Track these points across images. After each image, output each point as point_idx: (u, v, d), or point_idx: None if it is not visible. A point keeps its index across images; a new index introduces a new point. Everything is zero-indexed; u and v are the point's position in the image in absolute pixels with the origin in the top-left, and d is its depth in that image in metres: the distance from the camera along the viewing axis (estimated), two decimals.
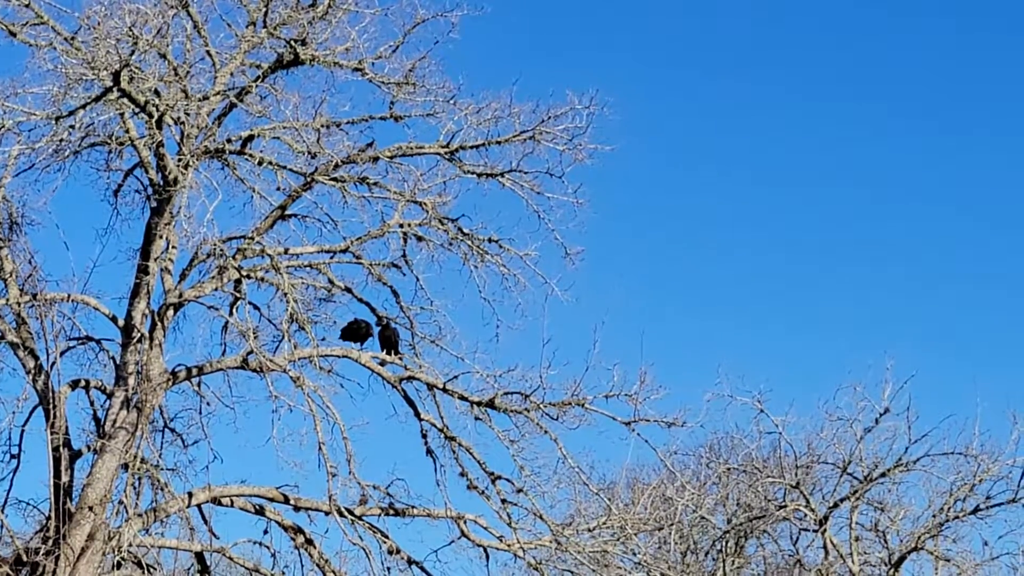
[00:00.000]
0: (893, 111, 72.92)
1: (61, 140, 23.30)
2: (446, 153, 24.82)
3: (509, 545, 24.64)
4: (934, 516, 33.45)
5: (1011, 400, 36.15)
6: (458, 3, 24.40)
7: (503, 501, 24.46)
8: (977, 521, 33.18)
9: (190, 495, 23.79)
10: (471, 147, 24.82)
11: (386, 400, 24.51)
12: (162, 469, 23.75)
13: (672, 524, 32.97)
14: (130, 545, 23.06)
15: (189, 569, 25.15)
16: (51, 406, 23.52)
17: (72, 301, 24.27)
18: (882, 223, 69.32)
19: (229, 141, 24.00)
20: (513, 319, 25.14)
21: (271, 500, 24.39)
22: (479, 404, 24.12)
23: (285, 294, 23.51)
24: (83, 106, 22.82)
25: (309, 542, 24.42)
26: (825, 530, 33.76)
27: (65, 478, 23.22)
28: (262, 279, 24.35)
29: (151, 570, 23.96)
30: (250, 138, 24.00)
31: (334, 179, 24.10)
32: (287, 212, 24.58)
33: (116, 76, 22.13)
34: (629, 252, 54.74)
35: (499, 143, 24.78)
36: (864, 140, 72.83)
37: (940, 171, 71.62)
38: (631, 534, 25.65)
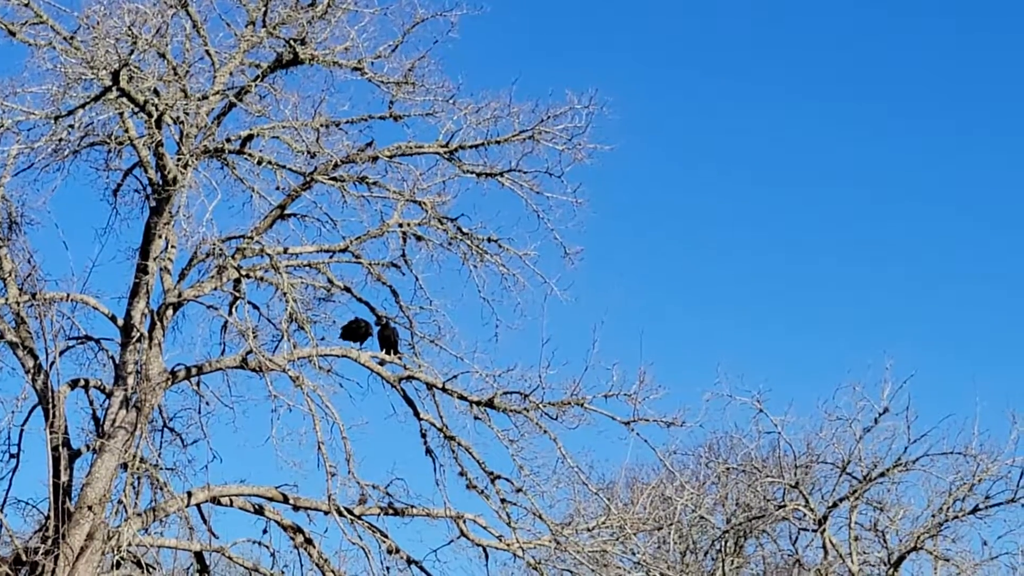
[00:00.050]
0: (893, 111, 72.99)
1: (60, 139, 23.30)
2: (445, 153, 24.82)
3: (508, 545, 24.64)
4: (933, 516, 33.45)
5: (1010, 400, 36.25)
6: (457, 3, 24.44)
7: (502, 501, 24.46)
8: (976, 521, 33.19)
9: (189, 494, 23.79)
10: (470, 147, 24.82)
11: (385, 400, 24.54)
12: (161, 468, 23.76)
13: (671, 524, 32.96)
14: (129, 544, 23.06)
15: (188, 568, 25.15)
16: (50, 405, 23.52)
17: (71, 300, 24.27)
18: (882, 223, 69.38)
19: (228, 140, 24.01)
20: (512, 319, 25.17)
21: (270, 500, 24.39)
22: (478, 404, 24.12)
23: (284, 294, 23.51)
24: (82, 105, 22.82)
25: (308, 541, 24.42)
26: (824, 530, 33.76)
27: (64, 477, 23.21)
28: (261, 279, 24.35)
29: (150, 570, 23.97)
30: (249, 137, 24.00)
31: (333, 179, 24.09)
32: (286, 212, 24.58)
33: (115, 75, 22.13)
34: (628, 252, 54.78)
35: (498, 143, 24.78)
36: (864, 140, 72.90)
37: (940, 171, 71.69)
38: (630, 534, 25.65)
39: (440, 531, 25.05)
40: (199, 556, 24.70)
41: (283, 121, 23.82)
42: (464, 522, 24.67)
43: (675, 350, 54.18)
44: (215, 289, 24.00)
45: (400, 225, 24.97)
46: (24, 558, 22.85)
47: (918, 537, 33.25)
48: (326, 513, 23.70)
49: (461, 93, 24.56)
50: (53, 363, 23.73)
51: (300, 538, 24.42)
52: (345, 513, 23.46)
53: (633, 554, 25.81)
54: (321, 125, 23.94)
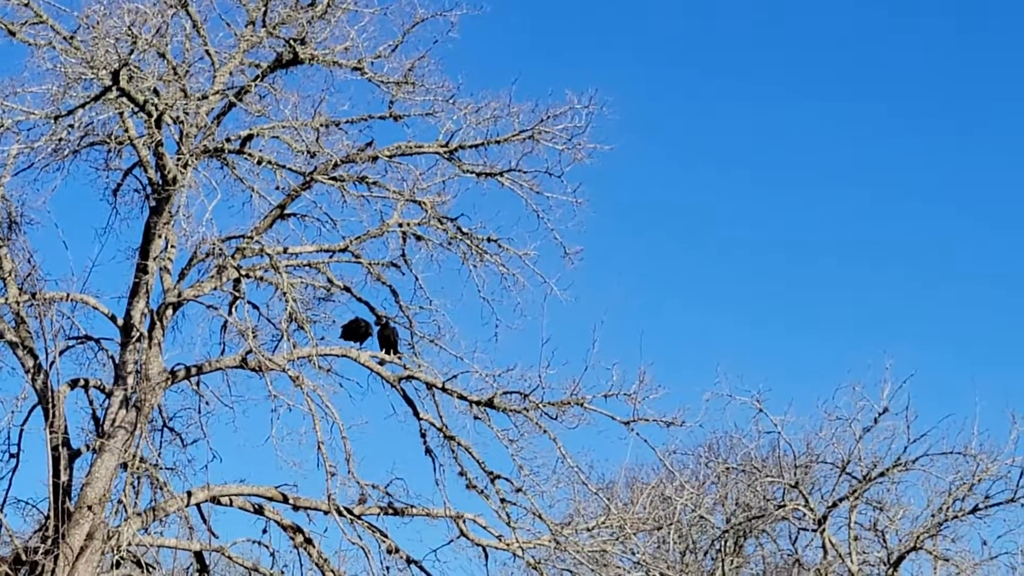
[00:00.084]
0: (893, 111, 73.00)
1: (60, 139, 23.30)
2: (445, 152, 24.82)
3: (508, 544, 24.64)
4: (933, 516, 33.46)
5: (1010, 399, 36.27)
6: (457, 2, 24.44)
7: (502, 500, 24.46)
8: (976, 521, 33.20)
9: (189, 494, 23.80)
10: (470, 146, 24.82)
11: (385, 399, 24.54)
12: (161, 468, 23.76)
13: (671, 523, 32.97)
14: (129, 544, 23.06)
15: (188, 568, 25.15)
16: (50, 405, 23.52)
17: (71, 300, 24.27)
18: (882, 223, 69.39)
19: (228, 140, 24.01)
20: (512, 318, 25.17)
21: (270, 499, 24.40)
22: (478, 403, 24.12)
23: (284, 293, 23.51)
24: (82, 105, 22.82)
25: (308, 541, 24.42)
26: (824, 529, 33.77)
27: (64, 477, 23.21)
28: (261, 278, 24.35)
29: (150, 569, 23.97)
30: (249, 137, 24.00)
31: (333, 178, 24.10)
32: (286, 211, 24.58)
33: (115, 75, 22.13)
34: (628, 251, 54.79)
35: (498, 142, 24.78)
36: (864, 140, 72.90)
37: (940, 171, 71.70)
38: (630, 533, 25.65)
39: (440, 531, 25.10)
40: (199, 556, 24.70)
41: (283, 121, 23.82)
42: (464, 522, 24.67)
43: (675, 350, 54.23)
44: (215, 289, 24.00)
45: (400, 225, 24.97)
46: (24, 558, 22.85)
47: (918, 537, 33.26)
48: (326, 513, 23.70)
49: (461, 93, 24.60)
50: (53, 363, 23.75)
51: (300, 538, 24.43)
52: (345, 513, 23.45)
53: (633, 554, 25.82)
54: (321, 125, 23.95)
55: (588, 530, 25.25)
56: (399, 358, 24.85)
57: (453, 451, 24.42)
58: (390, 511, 24.61)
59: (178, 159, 23.06)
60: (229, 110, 23.99)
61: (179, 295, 23.76)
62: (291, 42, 23.86)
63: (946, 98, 73.30)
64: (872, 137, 72.43)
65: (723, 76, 74.40)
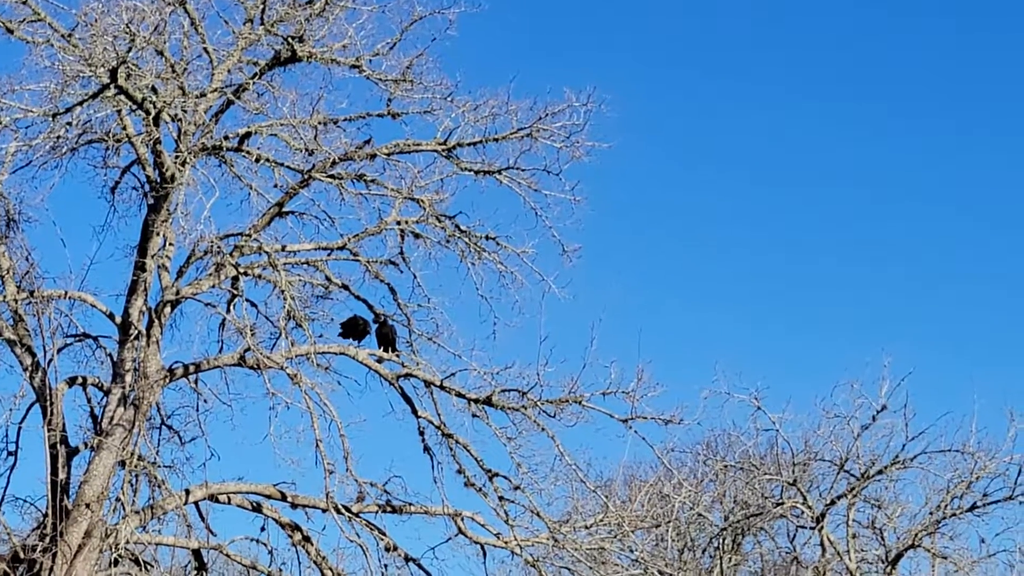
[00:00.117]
0: (893, 111, 73.01)
1: (58, 137, 23.31)
2: (443, 150, 24.82)
3: (506, 542, 24.65)
4: (931, 513, 33.46)
5: (1008, 397, 36.17)
6: (455, 0, 24.44)
7: (500, 498, 24.46)
8: (974, 518, 33.21)
9: (187, 492, 23.79)
10: (468, 144, 24.82)
11: (383, 397, 24.53)
12: (159, 466, 23.75)
13: (669, 521, 32.97)
14: (127, 542, 23.06)
15: (186, 566, 25.15)
16: (48, 403, 23.52)
17: (69, 298, 24.27)
18: (882, 223, 69.41)
19: (226, 138, 24.01)
20: (510, 316, 25.19)
21: (268, 497, 24.40)
22: (476, 401, 24.12)
23: (282, 291, 23.51)
24: (80, 103, 22.82)
25: (306, 539, 24.43)
26: (822, 527, 33.77)
27: (62, 475, 23.21)
28: (259, 276, 24.34)
29: (148, 567, 23.96)
30: (247, 135, 23.99)
31: (331, 176, 24.09)
32: (284, 209, 24.57)
33: (113, 73, 22.13)
34: (626, 249, 54.79)
35: (496, 140, 24.78)
36: (864, 140, 72.91)
37: (940, 171, 71.72)
38: (628, 531, 25.66)
39: (438, 529, 25.05)
40: (197, 554, 24.70)
41: (281, 119, 23.82)
42: (462, 520, 24.68)
43: (673, 348, 54.22)
44: (213, 287, 23.99)
45: (398, 223, 24.97)
46: (22, 556, 22.86)
47: (916, 535, 33.27)
48: (324, 511, 23.70)
49: (459, 91, 24.60)
50: (51, 361, 23.75)
51: (298, 536, 24.43)
52: (343, 511, 23.46)
53: (631, 551, 25.83)
54: (319, 123, 23.94)
55: (586, 528, 25.26)
56: (397, 356, 24.85)
57: (451, 449, 24.43)
58: (388, 509, 24.61)
59: (176, 157, 23.06)
60: (227, 108, 24.00)
61: (177, 293, 23.75)
62: (289, 40, 23.86)
63: (946, 98, 73.39)
64: (872, 137, 72.51)
65: (723, 76, 74.46)
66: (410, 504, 24.74)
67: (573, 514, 26.01)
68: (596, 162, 25.06)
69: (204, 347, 24.62)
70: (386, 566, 24.28)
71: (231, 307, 24.37)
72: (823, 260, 69.46)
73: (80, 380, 24.21)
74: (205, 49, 24.08)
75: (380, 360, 24.65)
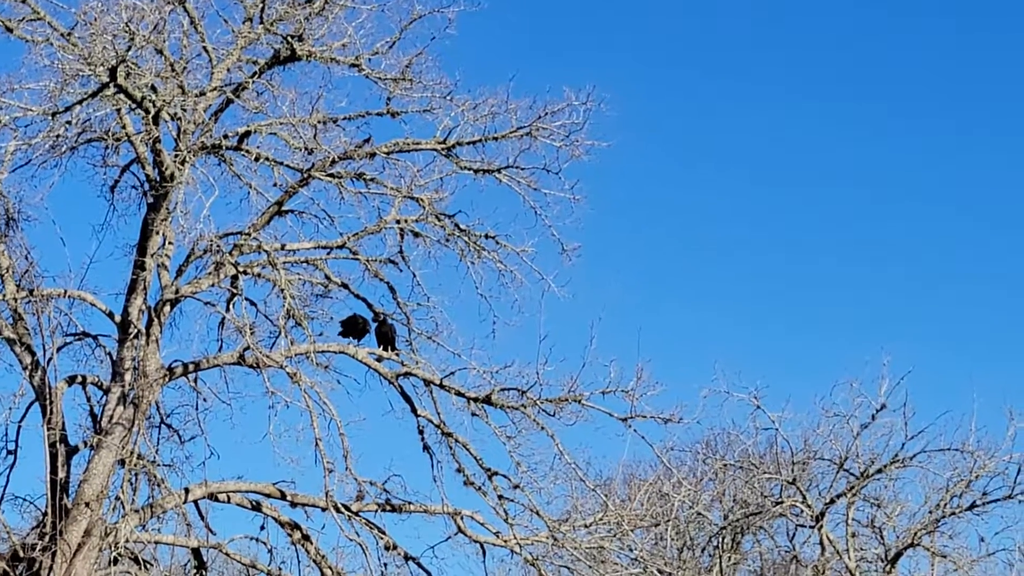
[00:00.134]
0: (893, 111, 73.01)
1: (58, 136, 23.30)
2: (443, 149, 24.82)
3: (506, 541, 24.65)
4: (930, 512, 33.47)
5: (1008, 396, 36.10)
6: None
7: (500, 497, 24.46)
8: (973, 517, 33.21)
9: (187, 491, 23.79)
10: (468, 143, 24.82)
11: (383, 396, 24.52)
12: (159, 465, 23.75)
13: (668, 520, 32.96)
14: (127, 541, 23.07)
15: (186, 565, 25.16)
16: (48, 402, 23.52)
17: (69, 297, 24.27)
18: (882, 223, 69.42)
19: (226, 137, 24.01)
20: (510, 315, 25.19)
21: (268, 496, 24.40)
22: (476, 400, 24.12)
23: (282, 290, 23.51)
24: (80, 102, 22.82)
25: (306, 538, 24.43)
26: (821, 526, 33.78)
27: (62, 474, 23.21)
28: (259, 275, 24.33)
29: (148, 566, 23.96)
30: (247, 134, 24.00)
31: (331, 175, 24.09)
32: (284, 208, 24.58)
33: (113, 72, 22.13)
34: (626, 248, 54.79)
35: (496, 139, 24.78)
36: (864, 140, 72.91)
37: (940, 171, 71.72)
38: (627, 530, 25.67)
39: (438, 528, 25.06)
40: (196, 552, 24.70)
41: (280, 117, 23.83)
42: (461, 518, 24.68)
43: (673, 346, 54.22)
44: (212, 285, 23.99)
45: (398, 221, 24.97)
46: (22, 554, 22.86)
47: (915, 533, 33.28)
48: (323, 509, 23.70)
49: (458, 90, 24.59)
50: (50, 359, 23.75)
51: (297, 534, 24.43)
52: (342, 509, 23.46)
53: (630, 550, 25.85)
54: (318, 121, 23.94)
55: (586, 527, 25.26)
56: (397, 355, 24.85)
57: (451, 448, 24.42)
58: (388, 508, 24.62)
59: (176, 156, 23.05)
60: (227, 107, 23.99)
61: (177, 292, 23.75)
62: (289, 39, 23.85)
63: (946, 98, 73.39)
64: (872, 137, 72.51)
65: (723, 76, 74.46)
66: (409, 503, 24.75)
67: (572, 513, 26.02)
68: (595, 161, 25.09)
69: (203, 346, 24.65)
70: (385, 565, 24.30)
71: (230, 306, 24.38)
72: (823, 260, 69.52)
73: (80, 379, 24.22)
74: (204, 48, 24.07)
75: (380, 359, 24.65)
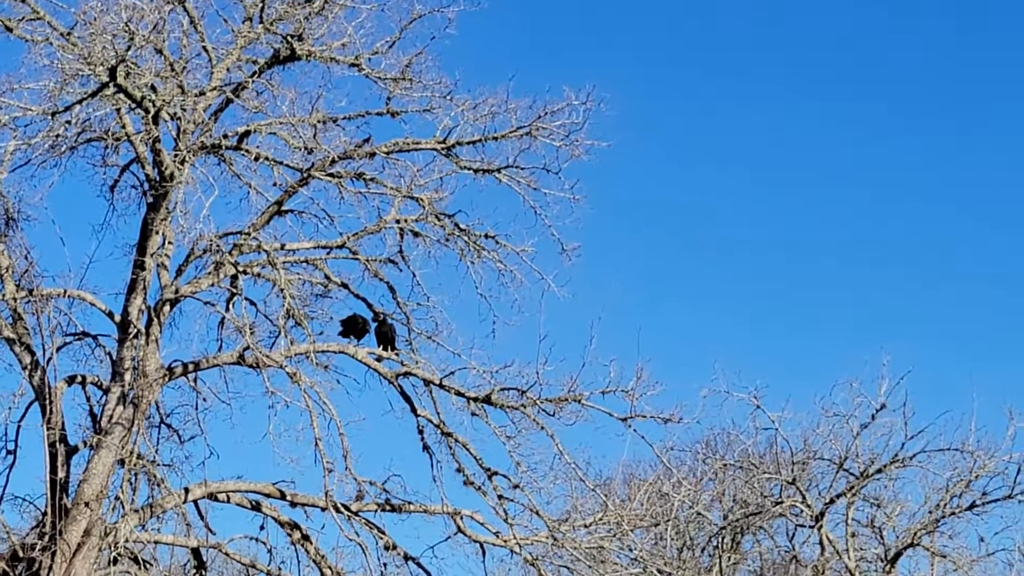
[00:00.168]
0: (893, 111, 73.02)
1: (57, 136, 23.30)
2: (443, 149, 24.82)
3: (505, 541, 24.65)
4: (930, 512, 33.46)
5: (1008, 396, 36.11)
6: None
7: (499, 497, 24.45)
8: (973, 517, 33.20)
9: (186, 491, 23.79)
10: (468, 143, 24.82)
11: (383, 396, 24.52)
12: (158, 465, 23.74)
13: (668, 520, 32.96)
14: (126, 541, 23.06)
15: (185, 565, 25.16)
16: (47, 402, 23.51)
17: (68, 297, 24.27)
18: (882, 223, 69.43)
19: (225, 137, 24.00)
20: (509, 315, 25.18)
21: (267, 496, 24.39)
22: (475, 400, 24.11)
23: (281, 290, 23.51)
24: (79, 101, 22.82)
25: (305, 538, 24.42)
26: (821, 526, 33.78)
27: (61, 474, 23.20)
28: (258, 275, 24.33)
29: (147, 566, 23.95)
30: (246, 134, 23.99)
31: (330, 175, 24.09)
32: (283, 208, 24.57)
33: (112, 72, 22.12)
34: (626, 248, 54.79)
35: (496, 139, 24.77)
36: (864, 140, 72.92)
37: (940, 171, 71.73)
38: (627, 530, 25.67)
39: (437, 527, 25.06)
40: (196, 552, 24.70)
41: (280, 117, 23.82)
42: (461, 518, 24.67)
43: (672, 346, 54.24)
44: (212, 285, 23.99)
45: (397, 221, 24.97)
46: (21, 554, 22.85)
47: (915, 533, 33.27)
48: (323, 509, 23.69)
49: (458, 89, 24.59)
50: (50, 359, 23.75)
51: (297, 534, 24.42)
52: (342, 509, 23.45)
53: (630, 550, 25.84)
54: (318, 121, 23.93)
55: (586, 526, 25.26)
56: (396, 354, 24.84)
57: (450, 447, 24.42)
58: (387, 508, 24.61)
59: (175, 155, 23.05)
60: (226, 106, 23.99)
61: (176, 291, 23.75)
62: (288, 38, 23.84)
63: (946, 98, 73.40)
64: (872, 137, 72.53)
65: (723, 76, 74.47)
66: (409, 503, 24.74)
67: (572, 513, 26.02)
68: (595, 161, 25.09)
69: (203, 346, 24.65)
70: (385, 565, 24.30)
71: (230, 306, 24.38)
72: (823, 260, 69.52)
73: (79, 379, 24.21)
74: (204, 48, 24.07)
75: (379, 359, 24.64)
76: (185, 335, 24.81)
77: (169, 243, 24.24)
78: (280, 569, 24.58)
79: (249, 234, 24.00)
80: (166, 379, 23.74)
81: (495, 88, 24.63)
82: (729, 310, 65.88)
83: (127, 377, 23.53)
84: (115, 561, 22.96)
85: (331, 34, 24.17)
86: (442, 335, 25.42)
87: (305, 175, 24.08)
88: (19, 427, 23.93)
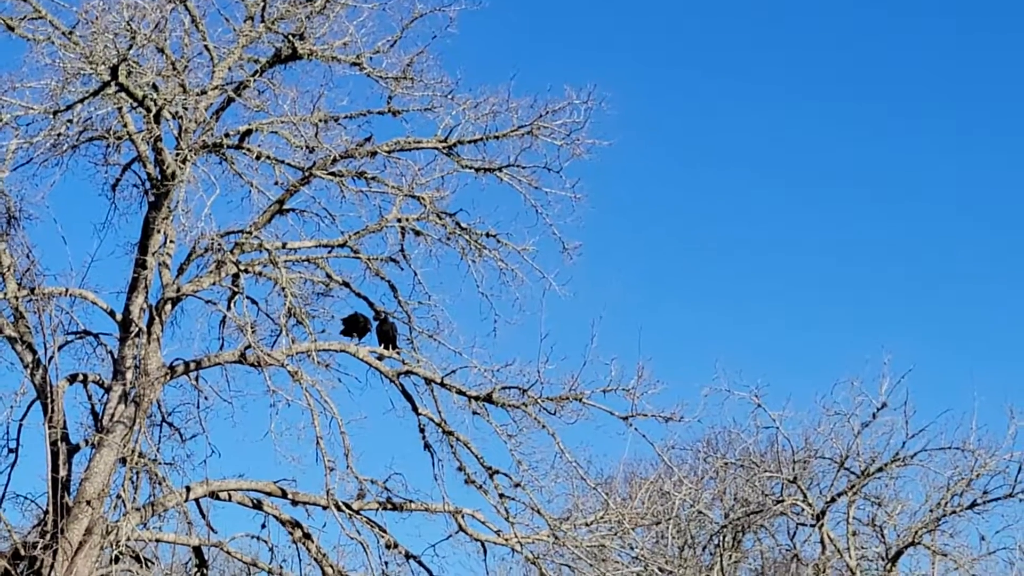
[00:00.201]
0: (893, 111, 72.99)
1: (59, 134, 23.31)
2: (444, 148, 24.83)
3: (507, 539, 24.65)
4: (931, 511, 33.47)
5: (1009, 395, 36.13)
6: None
7: (501, 495, 24.47)
8: (974, 516, 33.21)
9: (188, 489, 23.81)
10: (469, 142, 24.83)
11: (384, 394, 24.53)
12: (160, 463, 23.77)
13: (669, 518, 32.99)
14: (128, 539, 23.08)
15: (187, 563, 25.18)
16: (49, 400, 23.53)
17: (70, 295, 24.28)
18: (882, 223, 69.42)
19: (227, 136, 24.02)
20: (511, 314, 25.20)
21: (269, 494, 24.41)
22: (477, 399, 24.12)
23: (283, 288, 23.52)
24: (81, 100, 22.83)
25: (307, 536, 24.44)
26: (822, 525, 33.79)
27: (63, 472, 23.22)
28: (260, 273, 24.35)
29: (149, 564, 23.97)
30: (248, 133, 24.00)
31: (332, 174, 24.10)
32: (285, 207, 24.59)
33: (114, 70, 22.14)
34: (627, 247, 54.79)
35: (497, 138, 24.78)
36: (864, 140, 72.90)
37: (940, 171, 71.70)
38: (628, 528, 25.68)
39: (439, 526, 25.07)
40: (197, 551, 24.72)
41: (282, 116, 23.83)
42: (463, 517, 24.68)
43: (673, 345, 54.22)
44: (214, 284, 24.01)
45: (399, 220, 24.98)
46: (23, 553, 22.87)
47: (916, 532, 33.28)
48: (324, 508, 23.70)
49: (460, 88, 24.60)
50: (52, 358, 23.76)
51: (299, 533, 24.44)
52: (344, 508, 23.48)
53: (631, 549, 25.85)
54: (320, 120, 23.95)
55: (587, 525, 25.27)
56: (398, 353, 24.86)
57: (452, 446, 24.43)
58: (389, 506, 24.62)
59: (177, 154, 23.06)
60: (228, 105, 23.99)
61: (178, 290, 23.77)
62: (290, 37, 23.86)
63: (946, 98, 73.37)
64: (872, 137, 72.50)
65: (723, 76, 74.44)
66: (411, 501, 24.75)
67: (573, 511, 26.03)
68: (596, 160, 25.10)
69: (205, 344, 24.66)
70: (386, 563, 24.31)
71: (232, 304, 24.40)
72: (823, 260, 69.50)
73: (81, 377, 24.23)
74: (206, 46, 24.09)
75: (381, 357, 24.66)
76: (187, 334, 24.82)
77: (171, 242, 24.26)
78: (281, 568, 24.60)
79: (251, 233, 24.02)
80: (167, 378, 23.77)
81: (496, 87, 24.68)
82: (730, 309, 65.90)
83: (129, 376, 23.55)
84: (117, 559, 22.99)
85: (332, 33, 24.21)
86: (443, 334, 25.48)
87: (306, 174, 24.09)
88: (21, 426, 23.96)
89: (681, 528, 36.86)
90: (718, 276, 68.21)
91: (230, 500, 24.40)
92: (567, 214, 24.99)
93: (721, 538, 37.72)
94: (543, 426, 23.98)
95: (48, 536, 22.54)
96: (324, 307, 25.64)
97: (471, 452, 24.37)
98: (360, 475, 23.67)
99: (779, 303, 66.18)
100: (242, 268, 23.80)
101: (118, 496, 23.21)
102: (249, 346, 23.13)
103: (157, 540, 24.06)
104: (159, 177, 23.56)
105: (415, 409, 24.41)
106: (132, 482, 23.43)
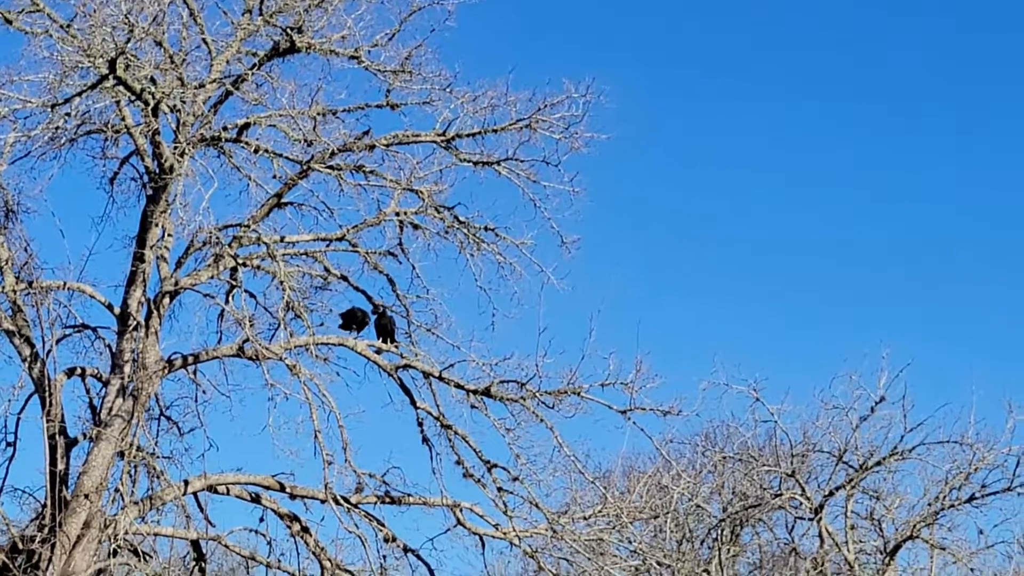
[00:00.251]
0: (893, 111, 73.01)
1: (57, 128, 23.29)
2: (442, 141, 24.80)
3: (505, 533, 24.66)
4: (929, 505, 33.48)
5: (1007, 389, 36.28)
6: None
7: (499, 489, 24.47)
8: (972, 510, 33.23)
9: (186, 483, 23.80)
10: (467, 135, 24.80)
11: (382, 388, 24.53)
12: (158, 457, 23.76)
13: (668, 512, 33.01)
14: (126, 533, 23.07)
15: (185, 557, 25.22)
16: (47, 394, 23.52)
17: (68, 289, 24.28)
18: (882, 223, 69.44)
19: (225, 129, 24.00)
20: (509, 307, 25.18)
21: (267, 488, 24.40)
22: (475, 392, 24.12)
23: (281, 282, 23.50)
24: (79, 94, 22.80)
25: (305, 530, 24.44)
26: (820, 518, 33.81)
27: (61, 466, 23.22)
28: (258, 267, 24.34)
29: (147, 558, 23.97)
30: (246, 126, 23.98)
31: (330, 167, 24.08)
32: (283, 200, 24.56)
33: (112, 64, 22.11)
34: (625, 241, 54.80)
35: (495, 131, 24.75)
36: (864, 140, 72.90)
37: (940, 171, 71.73)
38: (627, 522, 25.66)
39: (437, 520, 25.06)
40: (195, 544, 24.72)
41: (280, 109, 23.81)
42: (461, 511, 24.68)
43: (672, 339, 54.35)
44: (212, 277, 23.98)
45: (397, 214, 24.96)
46: (21, 546, 22.86)
47: (914, 526, 33.29)
48: (323, 501, 23.70)
49: (458, 82, 24.57)
50: (50, 351, 23.76)
51: (296, 526, 24.44)
52: (342, 501, 23.46)
53: (629, 542, 25.84)
54: (318, 113, 23.92)
55: (585, 519, 25.26)
56: (396, 347, 24.86)
57: (450, 440, 24.43)
58: (387, 500, 24.61)
59: (175, 147, 23.04)
60: (226, 99, 23.98)
61: (176, 284, 23.76)
62: (288, 30, 23.83)
63: (946, 98, 73.42)
64: (872, 137, 72.53)
65: (723, 76, 74.46)
66: (409, 495, 24.74)
67: (572, 505, 26.00)
68: (595, 153, 25.06)
69: (203, 338, 24.71)
70: (384, 557, 24.30)
71: (230, 298, 24.37)
72: (823, 259, 69.55)
73: (79, 371, 24.23)
74: (204, 40, 24.07)
75: (379, 351, 24.65)
76: (185, 327, 24.82)
77: (169, 235, 24.24)
78: (279, 561, 24.60)
79: (249, 226, 24.00)
80: (166, 371, 23.76)
81: (495, 81, 24.65)
82: (728, 303, 65.98)
83: (127, 369, 23.54)
84: (115, 553, 22.98)
85: (331, 26, 24.19)
86: (441, 327, 25.46)
87: (305, 167, 24.07)
88: (19, 419, 24.00)
89: (679, 522, 36.90)
90: (717, 272, 68.37)
91: (228, 494, 24.40)
92: (566, 208, 25.00)
93: (719, 532, 37.75)
94: (541, 420, 23.98)
95: (46, 530, 22.54)
96: (322, 301, 25.67)
97: (469, 446, 24.37)
98: (358, 469, 23.66)
99: (779, 303, 66.36)
100: (240, 262, 23.77)
101: (116, 490, 23.20)
102: (247, 340, 23.11)
103: (155, 534, 24.07)
104: (157, 170, 23.54)
105: (413, 403, 24.41)
106: (130, 476, 23.43)
